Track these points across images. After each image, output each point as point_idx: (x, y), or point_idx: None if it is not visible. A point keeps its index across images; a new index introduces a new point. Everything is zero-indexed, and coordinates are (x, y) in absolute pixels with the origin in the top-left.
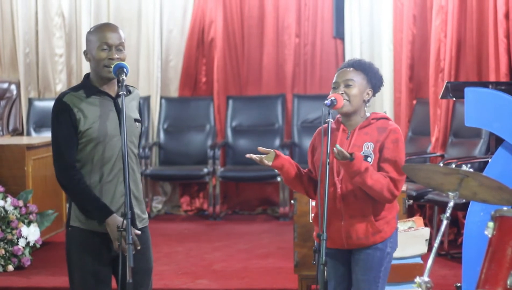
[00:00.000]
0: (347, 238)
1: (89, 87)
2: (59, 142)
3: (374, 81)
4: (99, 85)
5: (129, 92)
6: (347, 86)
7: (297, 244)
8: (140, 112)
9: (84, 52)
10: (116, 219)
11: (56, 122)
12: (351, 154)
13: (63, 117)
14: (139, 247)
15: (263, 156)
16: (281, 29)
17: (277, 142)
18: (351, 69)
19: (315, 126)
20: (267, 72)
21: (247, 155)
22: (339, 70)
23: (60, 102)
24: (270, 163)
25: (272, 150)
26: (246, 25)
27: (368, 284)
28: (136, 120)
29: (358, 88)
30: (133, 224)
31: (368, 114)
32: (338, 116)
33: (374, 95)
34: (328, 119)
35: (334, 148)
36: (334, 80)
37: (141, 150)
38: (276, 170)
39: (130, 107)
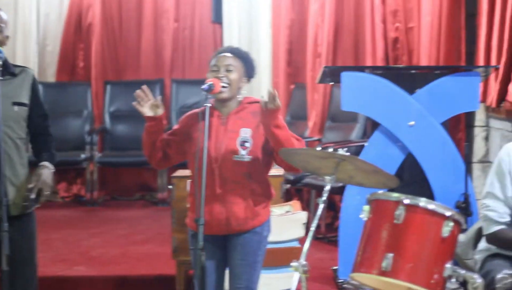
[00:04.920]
0: (227, 225)
1: None
2: None
3: (250, 71)
4: None
5: (12, 74)
6: (228, 70)
7: (175, 230)
8: (34, 94)
9: None
10: None
11: None
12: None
13: None
14: None
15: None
16: (159, 14)
17: None
18: (231, 55)
19: None
20: (145, 57)
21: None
22: (218, 54)
23: None
24: (151, 114)
25: (159, 102)
26: (124, 9)
27: (247, 268)
28: (17, 103)
29: (238, 74)
30: (8, 211)
31: (239, 100)
32: (212, 101)
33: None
34: (205, 104)
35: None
36: (213, 64)
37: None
38: (149, 121)
39: (12, 90)
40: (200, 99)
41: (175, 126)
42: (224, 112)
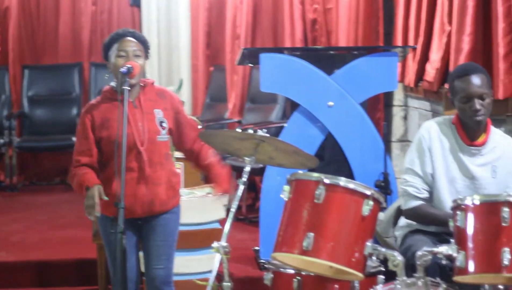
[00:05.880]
0: (150, 206)
1: None
2: None
3: (147, 53)
4: None
5: None
6: (136, 56)
7: None
8: None
9: None
10: None
11: None
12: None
13: None
14: None
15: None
16: None
17: (75, 111)
18: (136, 40)
19: None
20: (63, 41)
21: None
22: (120, 37)
23: None
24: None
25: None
26: None
27: (166, 249)
28: None
29: (143, 59)
30: None
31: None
32: (113, 85)
33: None
34: (125, 87)
35: None
36: (120, 48)
37: None
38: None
39: None
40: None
41: (84, 132)
42: (131, 96)
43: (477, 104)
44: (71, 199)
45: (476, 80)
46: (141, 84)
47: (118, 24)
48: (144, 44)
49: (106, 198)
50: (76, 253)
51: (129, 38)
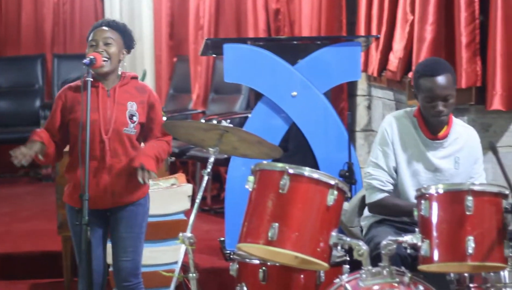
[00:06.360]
0: (113, 196)
1: None
2: None
3: (129, 42)
4: None
5: None
6: (107, 44)
7: (60, 205)
8: None
9: None
10: None
11: None
12: (142, 167)
13: None
14: None
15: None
16: None
17: (38, 103)
18: (108, 28)
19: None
20: (26, 32)
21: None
22: (95, 28)
23: None
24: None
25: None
26: None
27: (133, 241)
28: None
29: (117, 47)
30: None
31: (119, 73)
32: (92, 75)
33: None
34: (87, 78)
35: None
36: (91, 38)
37: None
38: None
39: None
40: (81, 74)
41: (54, 110)
42: (107, 85)
43: (440, 105)
44: (35, 191)
45: (442, 81)
46: (120, 74)
47: (80, 15)
48: (121, 32)
49: (41, 158)
50: (40, 246)
51: (102, 27)
